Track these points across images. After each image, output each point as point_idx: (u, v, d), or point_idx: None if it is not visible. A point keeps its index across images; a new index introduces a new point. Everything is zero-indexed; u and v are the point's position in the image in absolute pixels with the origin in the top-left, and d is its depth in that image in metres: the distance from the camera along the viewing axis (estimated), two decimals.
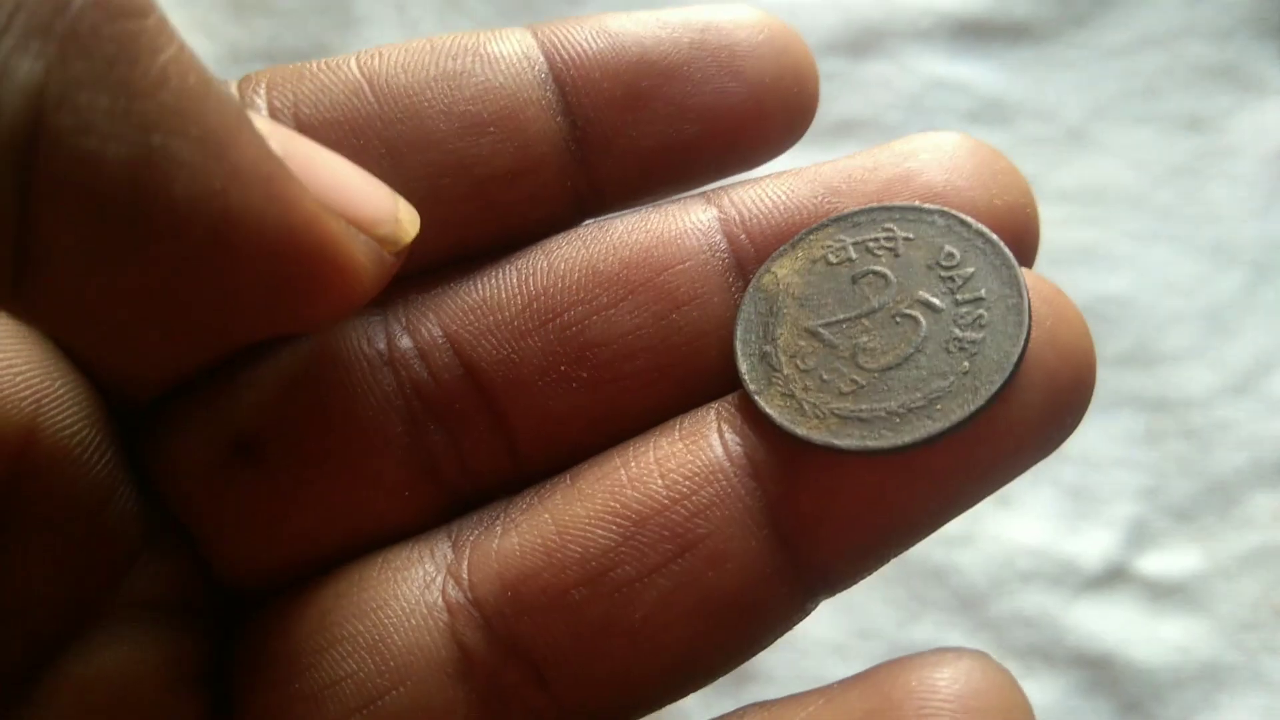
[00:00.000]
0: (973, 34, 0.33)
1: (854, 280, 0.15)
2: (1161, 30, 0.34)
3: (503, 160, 0.15)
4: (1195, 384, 0.31)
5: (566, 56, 0.16)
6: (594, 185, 0.16)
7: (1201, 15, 0.34)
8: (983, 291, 0.15)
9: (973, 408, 0.14)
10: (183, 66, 0.11)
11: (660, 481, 0.14)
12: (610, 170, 0.16)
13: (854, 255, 0.15)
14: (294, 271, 0.12)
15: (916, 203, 0.15)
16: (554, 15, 0.33)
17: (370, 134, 0.15)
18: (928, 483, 0.14)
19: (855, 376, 0.15)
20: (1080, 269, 0.32)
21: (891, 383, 0.14)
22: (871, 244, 0.15)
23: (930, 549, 0.29)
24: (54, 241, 0.10)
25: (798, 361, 0.15)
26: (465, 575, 0.15)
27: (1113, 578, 0.29)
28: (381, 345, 0.15)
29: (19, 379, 0.14)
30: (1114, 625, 0.29)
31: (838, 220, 0.16)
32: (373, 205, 0.13)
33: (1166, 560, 0.30)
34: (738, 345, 0.15)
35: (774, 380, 0.15)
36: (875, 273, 0.15)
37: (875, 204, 0.16)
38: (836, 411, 0.14)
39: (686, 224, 0.16)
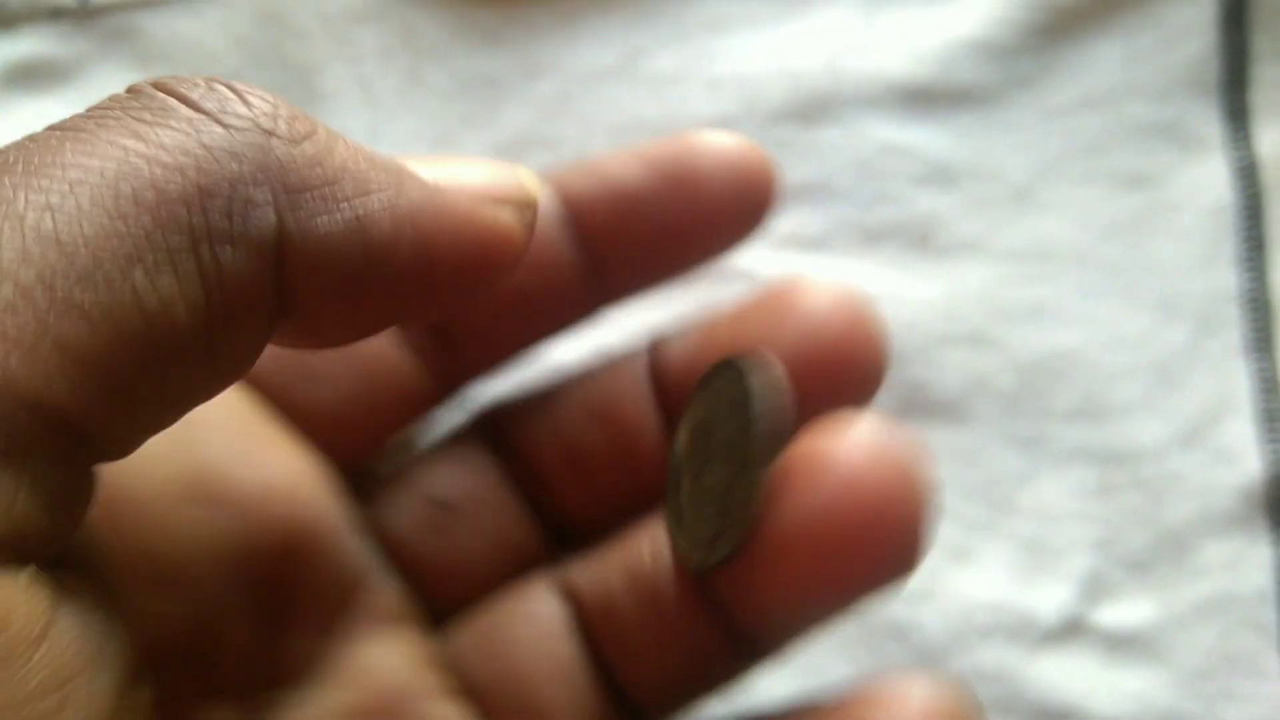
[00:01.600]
0: (920, 100, 0.34)
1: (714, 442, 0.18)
2: (1102, 91, 0.35)
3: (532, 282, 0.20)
4: (1145, 436, 0.32)
5: (571, 196, 0.20)
6: (604, 285, 0.21)
7: (1141, 75, 0.35)
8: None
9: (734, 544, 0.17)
10: (351, 150, 0.15)
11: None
12: (616, 274, 0.21)
13: (712, 417, 0.18)
14: (473, 253, 0.16)
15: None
16: (515, 90, 0.34)
17: None
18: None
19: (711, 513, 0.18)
20: (1029, 325, 0.32)
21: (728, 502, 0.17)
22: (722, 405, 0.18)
23: (892, 607, 0.30)
24: (305, 297, 0.14)
25: (694, 509, 0.18)
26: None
27: (1070, 630, 0.30)
28: None
29: (278, 475, 0.18)
30: (1073, 677, 0.29)
31: (702, 380, 0.18)
32: (502, 181, 0.17)
33: (1122, 611, 0.30)
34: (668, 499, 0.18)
35: (680, 528, 0.18)
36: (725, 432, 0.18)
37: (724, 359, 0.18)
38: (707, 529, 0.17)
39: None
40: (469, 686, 0.19)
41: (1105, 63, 0.35)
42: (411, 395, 0.21)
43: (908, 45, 0.35)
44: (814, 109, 0.34)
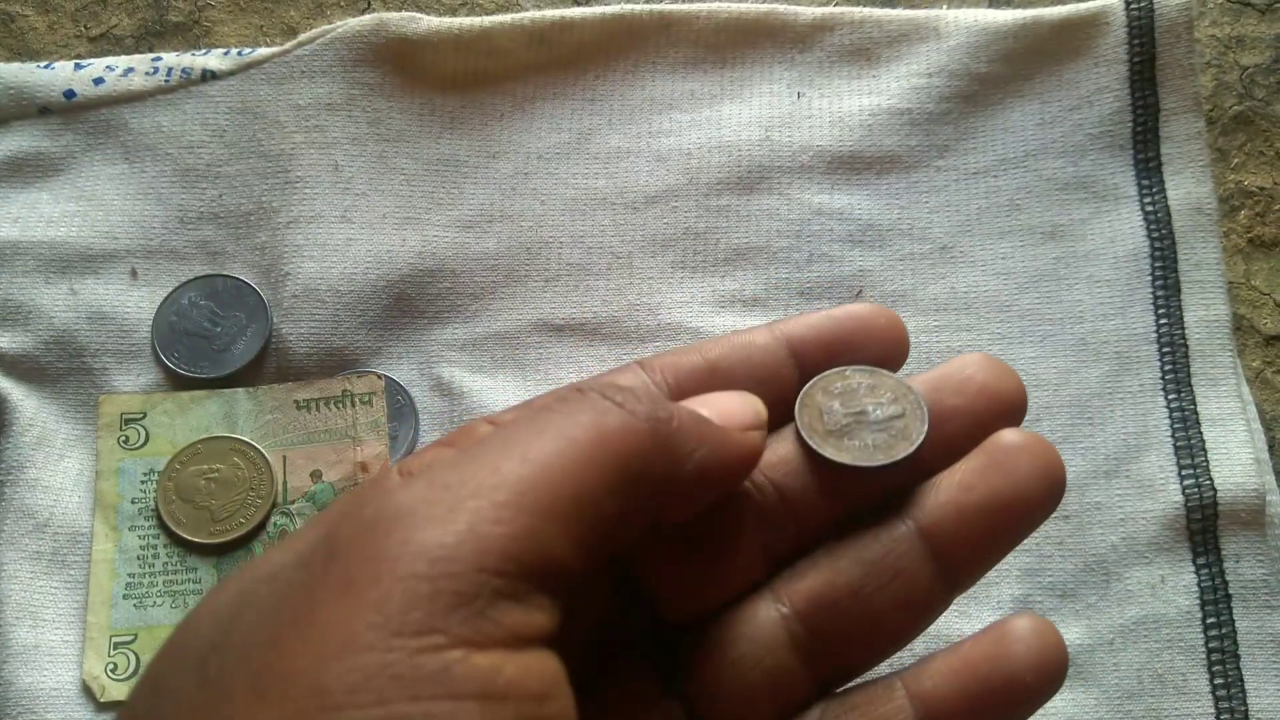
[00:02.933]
0: (848, 166, 0.37)
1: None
2: (1019, 151, 0.37)
3: (771, 393, 0.23)
4: (1069, 470, 0.34)
5: (795, 340, 0.23)
6: None
7: (1055, 135, 0.38)
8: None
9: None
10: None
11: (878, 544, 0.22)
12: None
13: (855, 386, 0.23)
14: (726, 471, 0.20)
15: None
16: (477, 170, 0.37)
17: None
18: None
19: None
20: None
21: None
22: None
23: None
24: (678, 503, 0.20)
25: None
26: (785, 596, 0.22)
27: None
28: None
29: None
30: None
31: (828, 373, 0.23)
32: (744, 408, 0.21)
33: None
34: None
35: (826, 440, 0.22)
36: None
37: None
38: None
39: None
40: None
41: (1022, 125, 0.38)
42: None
43: (836, 117, 0.37)
44: (751, 179, 0.37)
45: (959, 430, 0.22)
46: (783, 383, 0.23)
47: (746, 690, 0.21)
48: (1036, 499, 0.21)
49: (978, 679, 0.21)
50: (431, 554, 0.16)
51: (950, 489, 0.22)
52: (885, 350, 0.23)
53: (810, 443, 0.22)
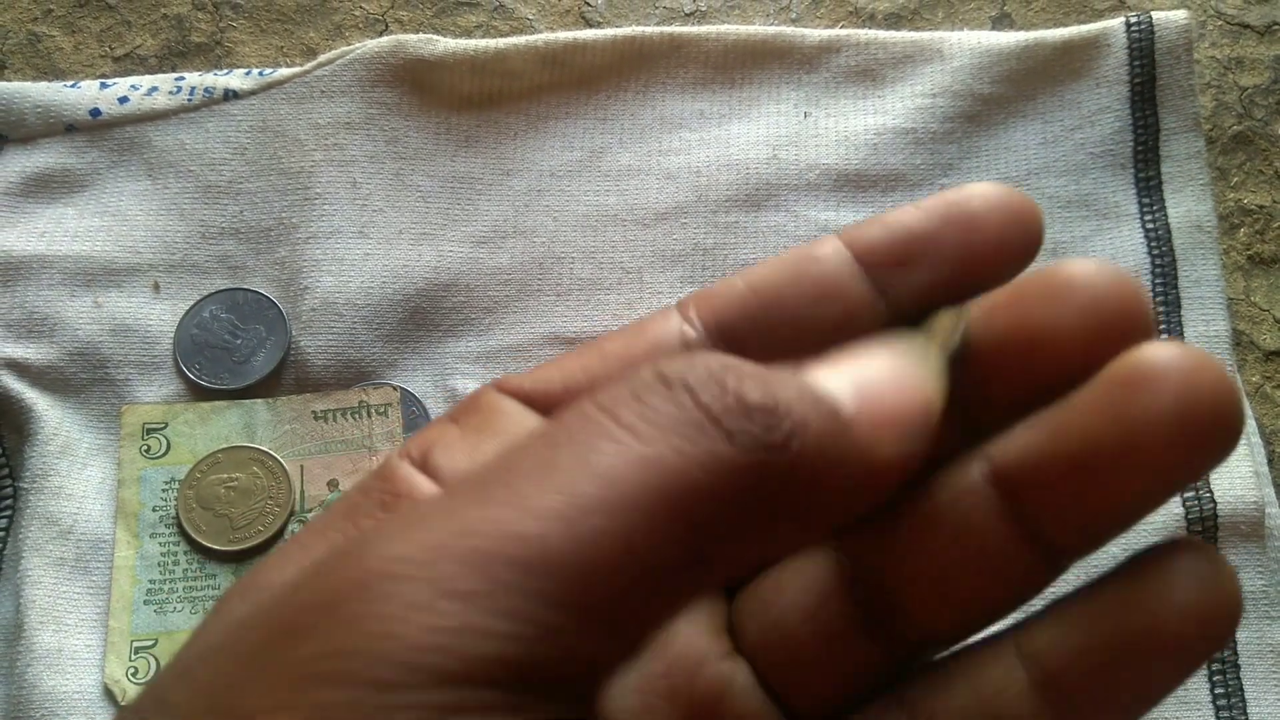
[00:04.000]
0: (853, 184, 0.38)
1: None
2: (1022, 170, 0.38)
3: (836, 316, 0.19)
4: None
5: (862, 246, 0.19)
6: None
7: (1057, 154, 0.38)
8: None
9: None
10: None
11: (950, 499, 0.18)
12: (902, 302, 0.19)
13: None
14: (868, 497, 0.15)
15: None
16: (491, 187, 0.38)
17: (756, 322, 0.19)
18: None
19: None
20: None
21: None
22: None
23: None
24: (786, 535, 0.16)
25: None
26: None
27: None
28: None
29: None
30: None
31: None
32: (906, 402, 0.16)
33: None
34: None
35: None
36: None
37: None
38: None
39: None
40: (744, 646, 0.19)
41: (1024, 144, 0.38)
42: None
43: (842, 136, 0.38)
44: (759, 196, 0.38)
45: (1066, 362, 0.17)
46: (851, 307, 0.18)
47: (795, 647, 0.18)
48: (1167, 448, 0.15)
49: (1113, 628, 0.16)
50: (398, 657, 0.12)
51: (1042, 426, 0.16)
52: (1002, 255, 0.18)
53: None
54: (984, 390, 0.18)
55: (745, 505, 0.14)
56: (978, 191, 0.18)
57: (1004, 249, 0.18)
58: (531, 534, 0.13)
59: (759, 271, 0.19)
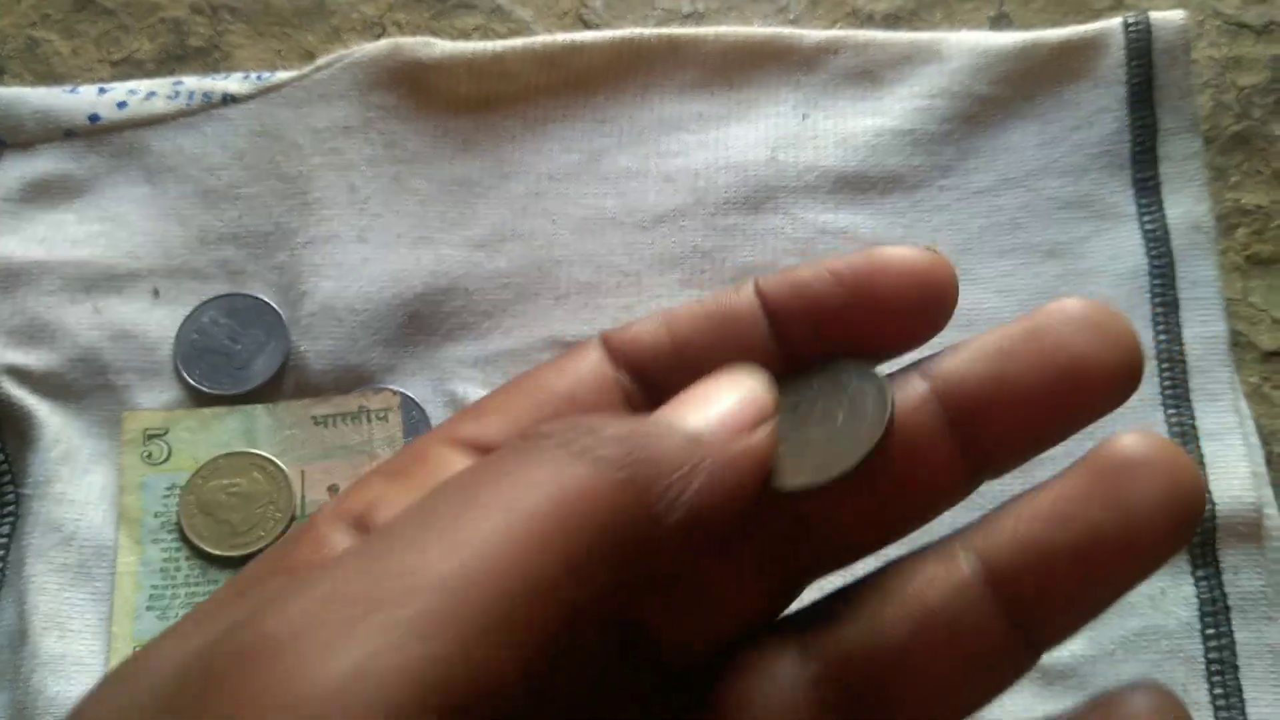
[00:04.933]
0: (853, 186, 0.38)
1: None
2: (1021, 171, 0.38)
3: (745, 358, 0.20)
4: None
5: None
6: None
7: (1056, 155, 0.38)
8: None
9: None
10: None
11: (934, 592, 0.17)
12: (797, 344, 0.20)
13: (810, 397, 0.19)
14: (731, 500, 0.16)
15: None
16: (490, 191, 0.38)
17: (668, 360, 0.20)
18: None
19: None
20: None
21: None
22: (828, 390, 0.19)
23: None
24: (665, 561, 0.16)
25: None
26: (816, 655, 0.18)
27: None
28: None
29: None
30: (1010, 711, 0.32)
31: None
32: (743, 401, 0.17)
33: (1056, 648, 0.33)
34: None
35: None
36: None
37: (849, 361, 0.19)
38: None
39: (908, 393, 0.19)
40: None
41: (1023, 145, 0.38)
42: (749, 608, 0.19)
43: (840, 138, 0.38)
44: (758, 198, 0.38)
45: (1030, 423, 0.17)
46: (754, 355, 0.19)
47: None
48: (1159, 534, 0.16)
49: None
50: (309, 698, 0.12)
51: (1034, 518, 0.17)
52: (908, 322, 0.18)
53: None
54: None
55: (634, 513, 0.15)
56: (894, 260, 0.18)
57: (911, 325, 0.19)
58: (445, 567, 0.13)
59: (678, 314, 0.19)
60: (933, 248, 0.19)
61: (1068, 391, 0.17)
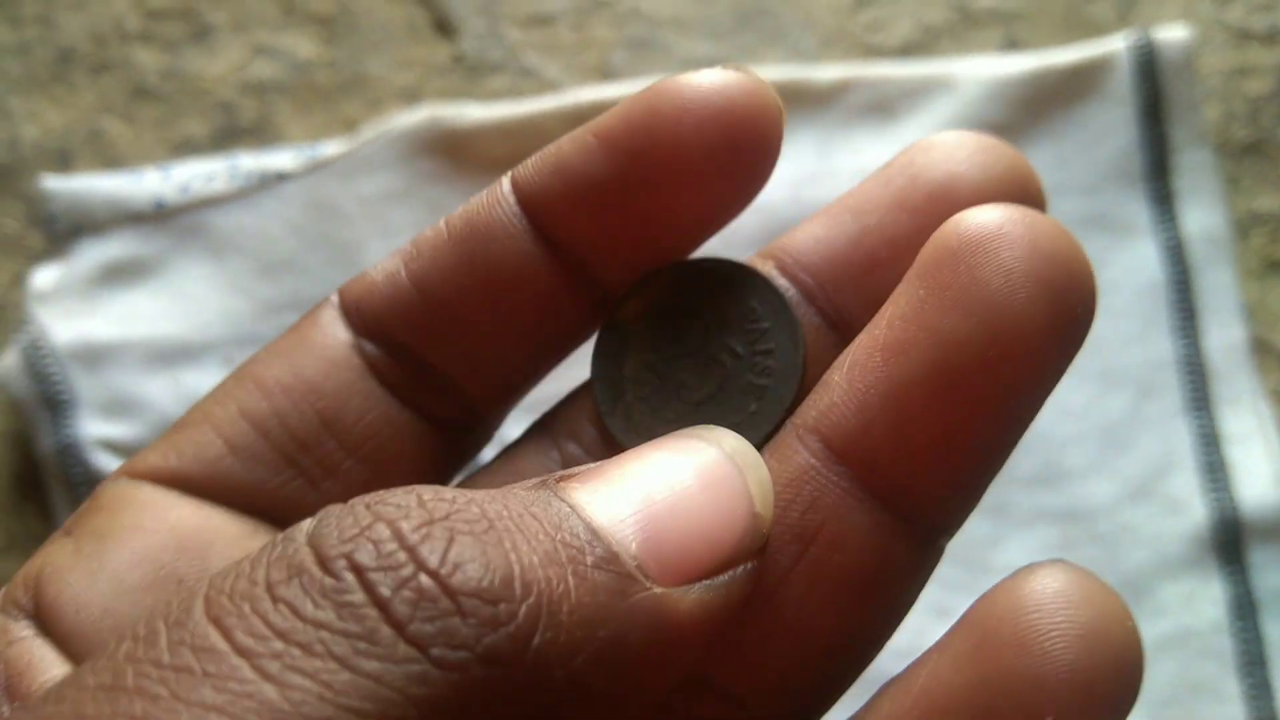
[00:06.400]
0: None
1: (681, 324, 0.18)
2: None
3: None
4: (1099, 495, 0.36)
5: (526, 193, 0.16)
6: (595, 285, 0.17)
7: (1071, 174, 0.40)
8: (773, 345, 0.17)
9: (753, 441, 0.15)
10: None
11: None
12: (606, 260, 0.17)
13: (683, 302, 0.17)
14: (685, 653, 0.12)
15: (740, 260, 0.18)
16: None
17: (418, 317, 0.17)
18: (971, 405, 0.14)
19: (676, 407, 0.17)
20: None
21: (701, 415, 0.17)
22: (698, 293, 0.18)
23: (883, 662, 0.34)
24: None
25: (638, 389, 0.17)
26: None
27: None
28: None
29: None
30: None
31: (674, 266, 0.18)
32: (731, 529, 0.13)
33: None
34: (594, 369, 0.18)
35: (618, 403, 0.17)
36: (698, 319, 0.18)
37: (708, 256, 0.18)
38: (660, 434, 0.15)
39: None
40: None
41: (1037, 166, 0.39)
42: (441, 455, 0.18)
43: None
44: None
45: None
46: (519, 261, 0.15)
47: None
48: (1026, 326, 0.13)
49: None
50: None
51: (864, 365, 0.14)
52: (716, 181, 0.15)
53: (610, 428, 0.17)
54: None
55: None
56: (672, 95, 0.15)
57: (720, 183, 0.15)
58: None
59: (420, 244, 0.16)
60: (734, 65, 0.15)
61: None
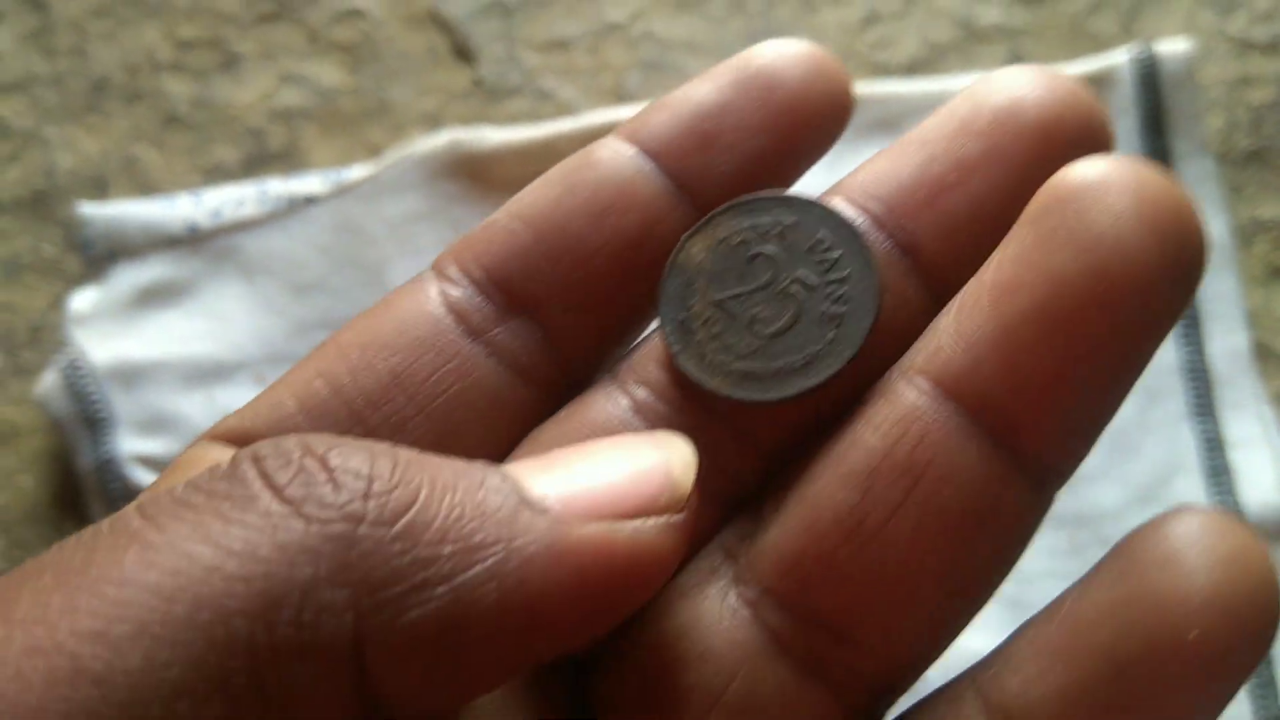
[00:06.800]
0: None
1: (749, 260, 0.18)
2: None
3: (631, 229, 0.17)
4: (1107, 499, 0.37)
5: (646, 138, 0.18)
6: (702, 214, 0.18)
7: None
8: (846, 271, 0.17)
9: (835, 369, 0.16)
10: (460, 503, 0.12)
11: (874, 434, 0.15)
12: (712, 201, 0.18)
13: (749, 238, 0.18)
14: (602, 589, 0.12)
15: (802, 194, 0.18)
16: None
17: (533, 259, 0.18)
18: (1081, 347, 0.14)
19: (750, 341, 0.17)
20: None
21: (777, 347, 0.17)
22: (764, 228, 0.18)
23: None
24: (392, 692, 0.12)
25: (708, 328, 0.18)
26: (749, 576, 0.16)
27: None
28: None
29: None
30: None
31: (737, 205, 0.18)
32: (643, 486, 0.13)
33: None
34: (661, 313, 0.18)
35: (689, 344, 0.17)
36: (765, 254, 0.18)
37: (769, 193, 0.18)
38: (737, 370, 0.17)
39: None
40: None
41: None
42: (522, 412, 0.18)
43: None
44: None
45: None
46: (649, 216, 0.16)
47: None
48: (1140, 271, 0.13)
49: (1102, 653, 0.13)
50: None
51: (972, 308, 0.14)
52: (813, 131, 0.16)
53: (682, 368, 0.17)
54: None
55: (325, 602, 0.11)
56: (766, 48, 0.17)
57: (809, 107, 0.17)
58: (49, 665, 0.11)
59: (526, 198, 0.16)
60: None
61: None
